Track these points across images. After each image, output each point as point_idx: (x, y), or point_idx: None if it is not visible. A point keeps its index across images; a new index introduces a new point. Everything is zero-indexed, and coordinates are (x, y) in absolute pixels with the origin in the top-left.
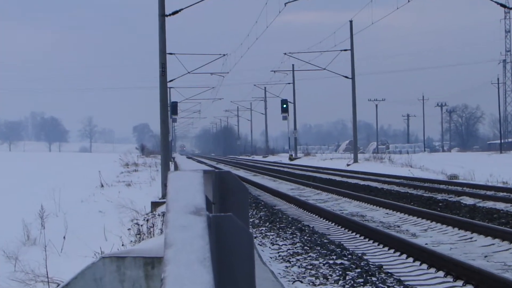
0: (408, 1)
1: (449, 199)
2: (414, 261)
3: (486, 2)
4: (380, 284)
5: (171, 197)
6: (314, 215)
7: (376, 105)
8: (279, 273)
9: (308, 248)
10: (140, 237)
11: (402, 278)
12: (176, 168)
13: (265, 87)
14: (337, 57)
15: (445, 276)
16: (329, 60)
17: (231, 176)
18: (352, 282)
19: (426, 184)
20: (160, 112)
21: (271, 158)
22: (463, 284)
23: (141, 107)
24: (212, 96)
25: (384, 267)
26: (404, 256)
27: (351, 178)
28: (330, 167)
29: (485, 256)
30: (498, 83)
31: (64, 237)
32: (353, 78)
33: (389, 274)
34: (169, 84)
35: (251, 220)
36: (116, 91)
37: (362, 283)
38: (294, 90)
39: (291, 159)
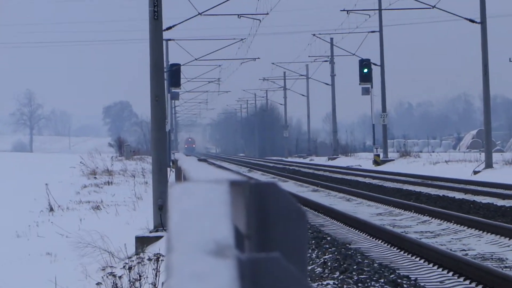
0: None
1: None
2: None
3: None
4: None
5: (176, 227)
6: (417, 259)
7: None
8: None
9: None
10: None
11: None
12: (179, 178)
13: (331, 39)
14: None
15: None
16: None
17: (277, 192)
18: None
19: None
20: (150, 83)
21: (342, 161)
22: None
23: (117, 75)
24: (241, 55)
25: None
26: None
27: (480, 194)
28: (444, 177)
29: None
30: None
31: None
32: (483, 23)
33: None
34: (166, 35)
35: (310, 267)
36: (74, 47)
37: None
38: (382, 43)
39: (377, 162)
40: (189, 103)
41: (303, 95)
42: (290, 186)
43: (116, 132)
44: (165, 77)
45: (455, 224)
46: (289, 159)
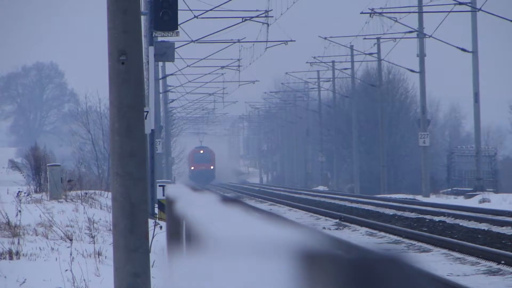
0: None
1: None
2: None
3: None
4: None
5: None
6: None
7: None
8: None
9: None
10: None
11: None
12: (179, 240)
13: None
14: None
15: None
16: None
17: (405, 275)
18: None
19: None
20: (108, 24)
21: None
22: None
23: (30, 10)
24: None
25: None
26: None
27: None
28: None
29: None
30: None
31: None
32: None
33: None
34: None
35: None
36: None
37: None
38: None
39: None
40: (198, 68)
41: (463, 50)
42: (434, 261)
43: (29, 134)
44: (142, 9)
45: None
46: (432, 199)
